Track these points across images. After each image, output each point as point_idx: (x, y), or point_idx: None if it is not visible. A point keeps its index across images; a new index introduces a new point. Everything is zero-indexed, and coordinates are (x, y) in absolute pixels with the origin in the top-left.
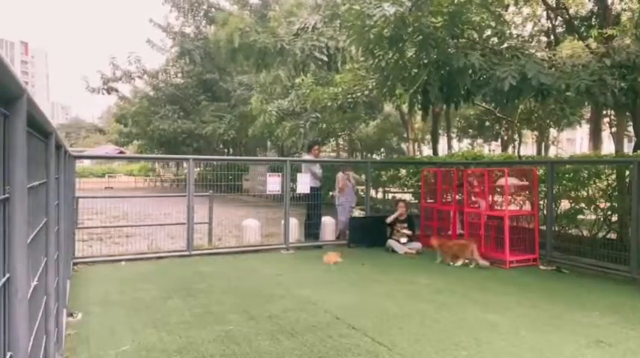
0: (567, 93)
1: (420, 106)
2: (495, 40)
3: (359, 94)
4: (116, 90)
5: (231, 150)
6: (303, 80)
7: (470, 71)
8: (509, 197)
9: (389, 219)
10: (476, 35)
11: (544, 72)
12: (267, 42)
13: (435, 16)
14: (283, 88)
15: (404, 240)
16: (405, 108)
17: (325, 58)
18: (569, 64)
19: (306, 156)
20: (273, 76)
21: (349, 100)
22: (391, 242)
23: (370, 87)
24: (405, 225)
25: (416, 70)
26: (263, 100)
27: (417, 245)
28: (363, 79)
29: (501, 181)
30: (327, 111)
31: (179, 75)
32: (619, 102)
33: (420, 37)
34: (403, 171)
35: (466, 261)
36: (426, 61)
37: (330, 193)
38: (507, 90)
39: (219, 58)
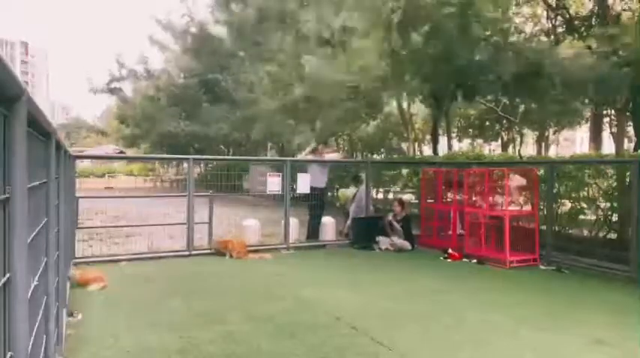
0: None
1: (430, 102)
2: (499, 38)
3: (362, 85)
4: (120, 90)
5: (231, 150)
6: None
7: (476, 66)
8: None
9: (387, 219)
10: (484, 31)
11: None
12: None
13: (445, 6)
14: (287, 82)
15: (395, 237)
16: (407, 105)
17: (330, 34)
18: (575, 64)
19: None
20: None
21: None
22: (379, 237)
23: (375, 76)
24: (400, 224)
25: (422, 64)
26: (271, 90)
27: (402, 243)
28: (368, 67)
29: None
30: (332, 100)
31: (182, 75)
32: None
33: (428, 27)
34: (404, 171)
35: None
36: (430, 51)
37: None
38: (516, 78)
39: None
